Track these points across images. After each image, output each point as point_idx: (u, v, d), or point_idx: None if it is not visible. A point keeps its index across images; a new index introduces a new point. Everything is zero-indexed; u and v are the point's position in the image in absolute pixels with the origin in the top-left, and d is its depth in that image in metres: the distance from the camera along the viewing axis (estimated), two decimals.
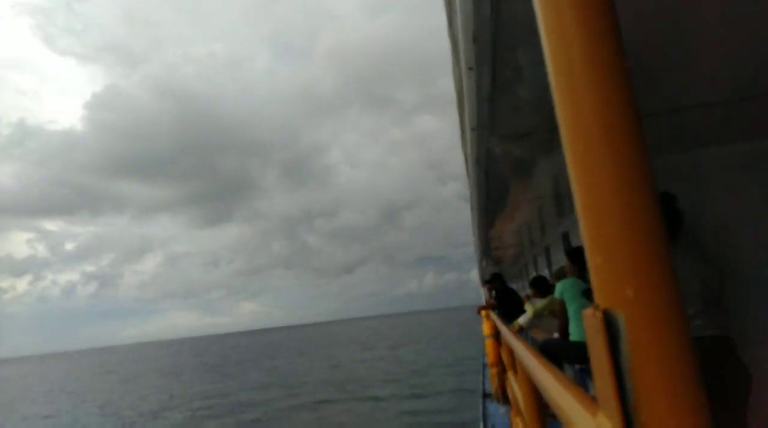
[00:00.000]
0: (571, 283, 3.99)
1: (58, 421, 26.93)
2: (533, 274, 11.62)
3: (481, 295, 24.13)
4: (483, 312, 10.70)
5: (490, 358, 4.99)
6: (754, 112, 2.98)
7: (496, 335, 5.20)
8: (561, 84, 0.53)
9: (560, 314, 4.11)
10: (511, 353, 5.00)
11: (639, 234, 0.48)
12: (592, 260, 0.51)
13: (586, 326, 0.54)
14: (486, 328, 5.29)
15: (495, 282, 8.96)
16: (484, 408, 6.38)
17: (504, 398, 4.85)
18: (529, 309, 5.94)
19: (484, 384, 7.84)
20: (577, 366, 3.60)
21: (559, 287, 4.06)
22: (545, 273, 9.56)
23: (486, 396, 6.74)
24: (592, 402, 0.82)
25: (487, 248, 9.62)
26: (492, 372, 4.95)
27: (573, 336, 3.91)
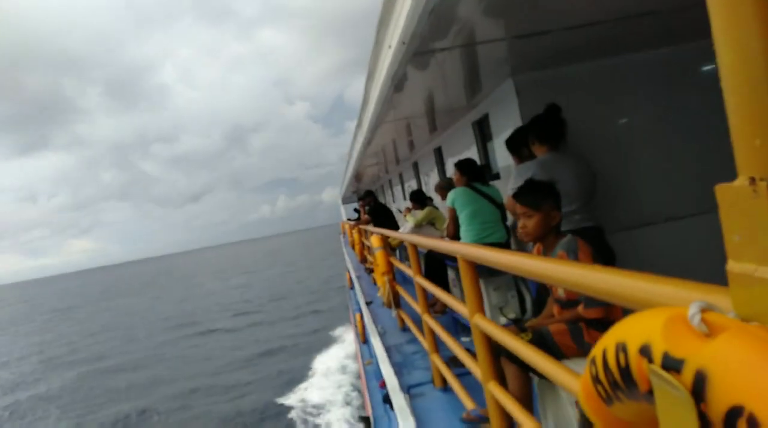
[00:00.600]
0: (462, 191, 4.35)
1: None
2: (399, 189, 12.25)
3: (342, 214, 24.86)
4: (353, 229, 11.11)
5: (382, 268, 5.30)
6: (626, 31, 3.41)
7: (386, 246, 5.51)
8: None
9: (451, 220, 4.49)
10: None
11: None
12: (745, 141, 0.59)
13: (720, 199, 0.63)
14: (375, 241, 5.57)
15: (368, 198, 9.34)
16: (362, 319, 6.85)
17: (396, 303, 5.25)
18: (410, 219, 6.34)
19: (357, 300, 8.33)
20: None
21: (451, 196, 4.40)
22: (412, 185, 10.13)
23: (368, 303, 7.20)
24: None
25: (360, 166, 9.84)
26: (383, 280, 5.29)
27: (464, 240, 4.33)
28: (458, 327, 4.84)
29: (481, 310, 2.07)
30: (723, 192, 0.61)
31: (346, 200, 24.67)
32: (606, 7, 2.93)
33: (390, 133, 6.34)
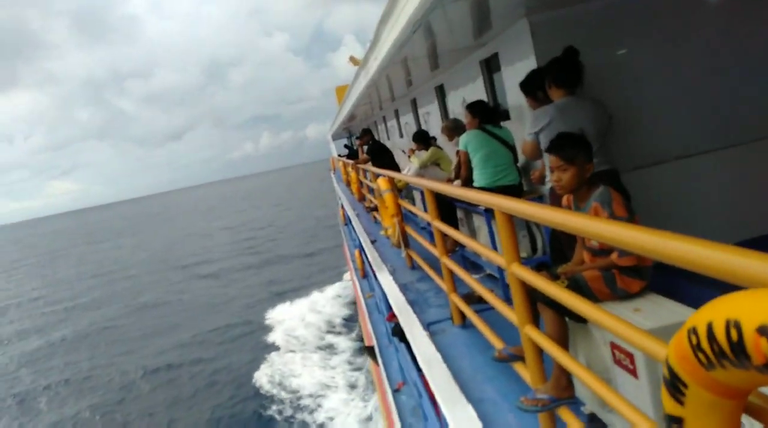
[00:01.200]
0: (475, 134, 4.37)
1: None
2: (394, 123, 12.13)
3: (332, 150, 24.70)
4: (349, 167, 11.10)
5: (391, 211, 5.39)
6: None
7: (393, 188, 5.57)
8: None
9: (464, 164, 4.54)
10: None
11: None
12: None
13: None
14: (383, 184, 5.62)
15: (366, 136, 9.26)
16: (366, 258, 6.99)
17: (405, 243, 5.38)
18: (415, 160, 6.37)
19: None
20: (483, 208, 4.12)
21: (464, 139, 4.42)
22: (408, 121, 10.04)
23: (373, 243, 7.36)
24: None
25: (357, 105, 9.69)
26: (392, 222, 5.40)
27: (478, 183, 4.40)
28: (467, 264, 5.01)
29: (518, 259, 2.18)
30: None
31: (336, 136, 24.41)
32: None
33: (393, 73, 6.23)
